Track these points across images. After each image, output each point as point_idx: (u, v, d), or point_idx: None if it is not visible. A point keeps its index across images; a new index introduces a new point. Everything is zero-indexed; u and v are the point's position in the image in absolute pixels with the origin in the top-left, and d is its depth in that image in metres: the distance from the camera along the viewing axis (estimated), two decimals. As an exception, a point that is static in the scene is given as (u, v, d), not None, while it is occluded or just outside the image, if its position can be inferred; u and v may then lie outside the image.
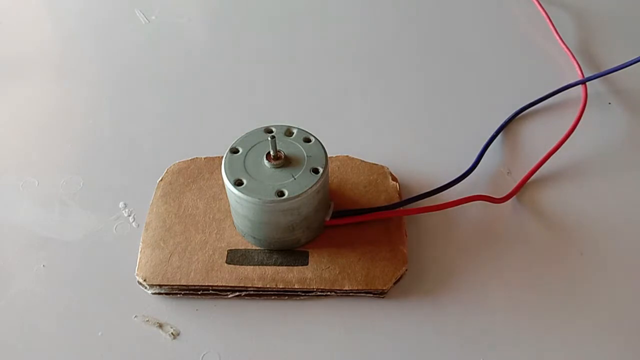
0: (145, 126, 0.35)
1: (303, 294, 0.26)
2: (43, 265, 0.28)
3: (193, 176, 0.31)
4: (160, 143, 0.34)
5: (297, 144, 0.27)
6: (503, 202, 0.30)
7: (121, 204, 0.31)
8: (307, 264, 0.27)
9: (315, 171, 0.26)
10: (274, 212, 0.25)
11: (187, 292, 0.26)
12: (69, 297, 0.27)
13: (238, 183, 0.25)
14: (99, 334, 0.25)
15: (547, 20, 0.43)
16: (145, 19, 0.43)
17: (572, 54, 0.40)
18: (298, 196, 0.25)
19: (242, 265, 0.27)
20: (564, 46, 0.40)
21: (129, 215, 0.30)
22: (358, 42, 0.42)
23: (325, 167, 0.26)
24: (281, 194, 0.25)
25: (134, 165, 0.33)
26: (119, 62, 0.40)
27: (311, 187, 0.25)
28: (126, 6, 0.44)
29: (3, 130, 0.35)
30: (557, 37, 0.41)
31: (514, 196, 0.30)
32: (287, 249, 0.27)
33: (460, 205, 0.28)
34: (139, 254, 0.27)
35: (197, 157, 0.31)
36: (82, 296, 0.27)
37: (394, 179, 0.30)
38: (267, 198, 0.25)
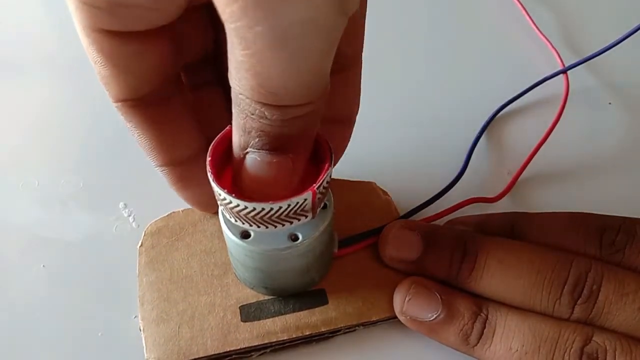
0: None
1: (330, 334, 0.25)
2: (43, 265, 0.28)
3: (176, 233, 0.28)
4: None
5: None
6: (497, 200, 0.30)
7: (121, 204, 0.31)
8: (327, 303, 0.25)
9: (323, 205, 0.24)
10: (291, 258, 0.23)
11: None
12: (69, 297, 0.27)
13: (245, 235, 0.23)
14: (99, 334, 0.26)
15: (523, 12, 0.43)
16: (145, 18, 0.43)
17: (549, 42, 0.39)
18: (313, 236, 0.23)
19: (259, 320, 0.25)
20: (540, 35, 0.40)
21: (129, 215, 0.30)
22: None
23: (331, 199, 0.24)
24: (295, 237, 0.23)
25: (134, 165, 0.33)
26: (118, 61, 0.40)
27: (324, 224, 0.23)
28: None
29: (3, 130, 0.35)
30: (533, 26, 0.41)
31: (507, 194, 0.30)
32: (301, 292, 0.26)
33: (456, 210, 0.28)
34: (142, 333, 0.25)
35: (173, 212, 0.28)
36: (82, 296, 0.27)
37: (385, 193, 0.29)
38: (282, 245, 0.23)
